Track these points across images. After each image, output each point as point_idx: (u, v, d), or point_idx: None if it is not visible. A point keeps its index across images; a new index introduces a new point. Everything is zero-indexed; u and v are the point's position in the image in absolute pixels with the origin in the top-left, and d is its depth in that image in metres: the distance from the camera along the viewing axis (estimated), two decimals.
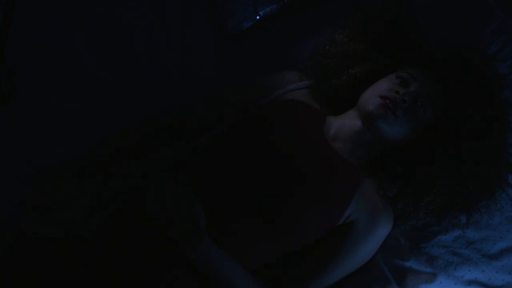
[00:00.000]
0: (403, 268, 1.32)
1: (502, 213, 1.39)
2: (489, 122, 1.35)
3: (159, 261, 1.16)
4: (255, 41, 1.70)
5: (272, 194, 1.22)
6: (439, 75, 1.39)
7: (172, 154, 1.32)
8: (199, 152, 1.32)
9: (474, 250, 1.34)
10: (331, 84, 1.46)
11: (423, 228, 1.38)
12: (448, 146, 1.32)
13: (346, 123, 1.38)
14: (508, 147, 1.41)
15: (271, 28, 1.71)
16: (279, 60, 1.63)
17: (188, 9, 1.72)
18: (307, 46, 1.60)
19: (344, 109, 1.43)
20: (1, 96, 1.51)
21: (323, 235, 1.27)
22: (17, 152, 1.45)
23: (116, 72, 1.61)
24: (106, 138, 1.37)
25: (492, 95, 1.40)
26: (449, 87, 1.38)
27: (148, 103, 1.55)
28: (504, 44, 1.55)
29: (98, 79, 1.60)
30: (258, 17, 1.68)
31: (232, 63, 1.67)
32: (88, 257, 1.17)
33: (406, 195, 1.32)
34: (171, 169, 1.30)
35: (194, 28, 1.70)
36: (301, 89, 1.48)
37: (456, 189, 1.32)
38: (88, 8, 1.68)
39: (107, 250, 1.17)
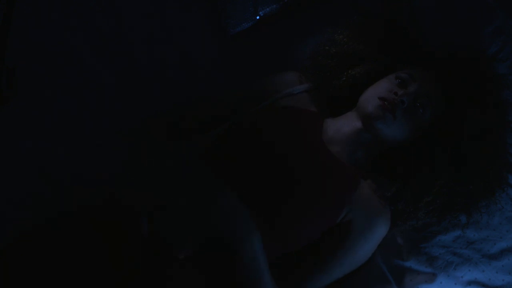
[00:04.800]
0: (403, 268, 1.32)
1: (502, 213, 1.39)
2: (489, 122, 1.35)
3: (166, 260, 1.15)
4: (255, 41, 1.70)
5: (272, 195, 1.23)
6: (439, 75, 1.39)
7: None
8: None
9: (474, 250, 1.34)
10: (330, 85, 1.46)
11: (423, 228, 1.38)
12: (448, 146, 1.32)
13: (346, 124, 1.38)
14: (508, 147, 1.41)
15: (271, 28, 1.70)
16: (279, 60, 1.63)
17: (188, 9, 1.72)
18: (307, 46, 1.60)
19: (344, 111, 1.43)
20: (1, 96, 1.51)
21: (322, 235, 1.27)
22: (17, 152, 1.45)
23: (116, 72, 1.61)
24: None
25: (492, 95, 1.40)
26: (449, 87, 1.38)
27: (147, 103, 1.55)
28: (504, 44, 1.55)
29: (98, 79, 1.60)
30: (258, 17, 1.68)
31: (232, 63, 1.67)
32: (90, 255, 1.16)
33: (406, 195, 1.32)
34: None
35: (194, 28, 1.70)
36: (300, 92, 1.48)
37: (456, 189, 1.32)
38: (88, 8, 1.67)
39: (112, 249, 1.17)
